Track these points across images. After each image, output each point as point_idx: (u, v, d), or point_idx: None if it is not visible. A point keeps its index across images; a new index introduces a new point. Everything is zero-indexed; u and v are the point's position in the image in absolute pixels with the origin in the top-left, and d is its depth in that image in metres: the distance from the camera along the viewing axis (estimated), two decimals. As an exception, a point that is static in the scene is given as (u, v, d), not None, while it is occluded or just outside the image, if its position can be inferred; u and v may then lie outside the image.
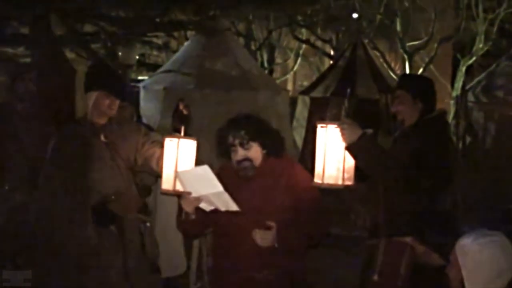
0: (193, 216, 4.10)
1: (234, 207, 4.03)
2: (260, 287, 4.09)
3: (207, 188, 3.94)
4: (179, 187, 4.17)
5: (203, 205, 4.04)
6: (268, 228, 4.00)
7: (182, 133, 4.27)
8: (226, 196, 3.95)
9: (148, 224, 4.83)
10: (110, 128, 4.71)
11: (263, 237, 3.98)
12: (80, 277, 4.56)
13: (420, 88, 4.58)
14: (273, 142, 4.26)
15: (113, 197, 4.59)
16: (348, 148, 4.07)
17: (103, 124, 4.70)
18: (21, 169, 5.41)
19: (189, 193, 4.00)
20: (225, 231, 4.15)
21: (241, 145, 4.14)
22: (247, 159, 4.14)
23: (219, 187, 3.91)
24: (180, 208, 4.16)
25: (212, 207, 4.05)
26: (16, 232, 5.12)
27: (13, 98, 5.60)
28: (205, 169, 3.89)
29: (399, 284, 4.34)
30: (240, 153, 4.15)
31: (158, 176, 4.53)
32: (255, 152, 4.17)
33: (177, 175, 4.04)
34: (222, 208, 4.00)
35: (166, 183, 4.24)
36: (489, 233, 3.25)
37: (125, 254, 4.65)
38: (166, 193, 4.38)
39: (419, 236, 4.30)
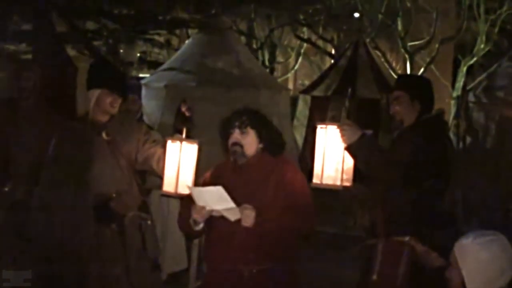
0: (201, 225, 4.14)
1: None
2: (247, 282, 4.11)
3: (220, 204, 3.98)
4: (180, 190, 4.19)
5: (214, 213, 4.07)
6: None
7: (184, 135, 4.29)
8: (237, 210, 3.98)
9: (149, 222, 4.84)
10: (112, 126, 4.72)
11: (248, 215, 3.97)
12: (81, 274, 4.58)
13: (418, 88, 4.59)
14: (271, 139, 4.26)
15: (114, 195, 4.61)
16: (347, 149, 4.09)
17: (104, 122, 4.71)
18: (24, 166, 5.43)
19: (203, 208, 4.01)
20: (215, 223, 4.17)
21: (239, 127, 4.15)
22: (239, 144, 4.15)
23: (232, 204, 3.95)
24: (185, 212, 4.18)
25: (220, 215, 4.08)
26: (17, 230, 5.13)
27: (17, 95, 5.62)
28: (219, 189, 3.93)
29: (398, 284, 4.34)
30: (236, 135, 4.16)
31: (158, 176, 4.54)
32: (250, 140, 4.17)
33: (191, 191, 4.07)
34: (232, 219, 4.03)
35: (168, 185, 4.26)
36: (488, 233, 3.25)
37: (126, 252, 4.67)
38: (167, 195, 4.40)
39: (418, 236, 4.31)
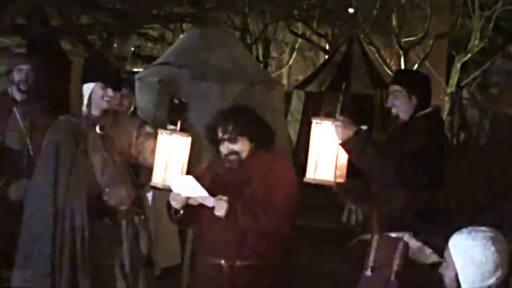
0: (181, 212, 4.16)
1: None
2: (229, 277, 4.11)
3: (193, 192, 4.03)
4: (168, 183, 4.20)
5: (191, 201, 4.09)
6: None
7: (179, 127, 4.28)
8: (212, 199, 4.00)
9: (142, 217, 4.84)
10: (106, 120, 4.71)
11: (220, 205, 3.99)
12: (74, 268, 4.57)
13: (416, 84, 4.56)
14: (262, 136, 4.25)
15: (107, 189, 4.60)
16: (342, 144, 4.08)
17: (98, 116, 4.70)
18: (17, 160, 5.43)
19: (178, 195, 4.06)
20: (201, 217, 4.18)
21: (229, 140, 4.15)
22: (234, 152, 4.16)
23: (205, 192, 3.99)
24: (169, 204, 4.20)
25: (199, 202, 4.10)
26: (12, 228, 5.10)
27: (12, 88, 5.62)
28: (190, 178, 4.00)
29: (392, 280, 4.34)
30: (228, 147, 4.16)
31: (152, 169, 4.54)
32: (242, 145, 4.17)
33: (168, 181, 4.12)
34: (210, 205, 4.03)
35: (157, 178, 4.27)
36: (482, 229, 3.25)
37: (119, 247, 4.66)
38: (156, 188, 4.40)
39: (412, 231, 4.31)
